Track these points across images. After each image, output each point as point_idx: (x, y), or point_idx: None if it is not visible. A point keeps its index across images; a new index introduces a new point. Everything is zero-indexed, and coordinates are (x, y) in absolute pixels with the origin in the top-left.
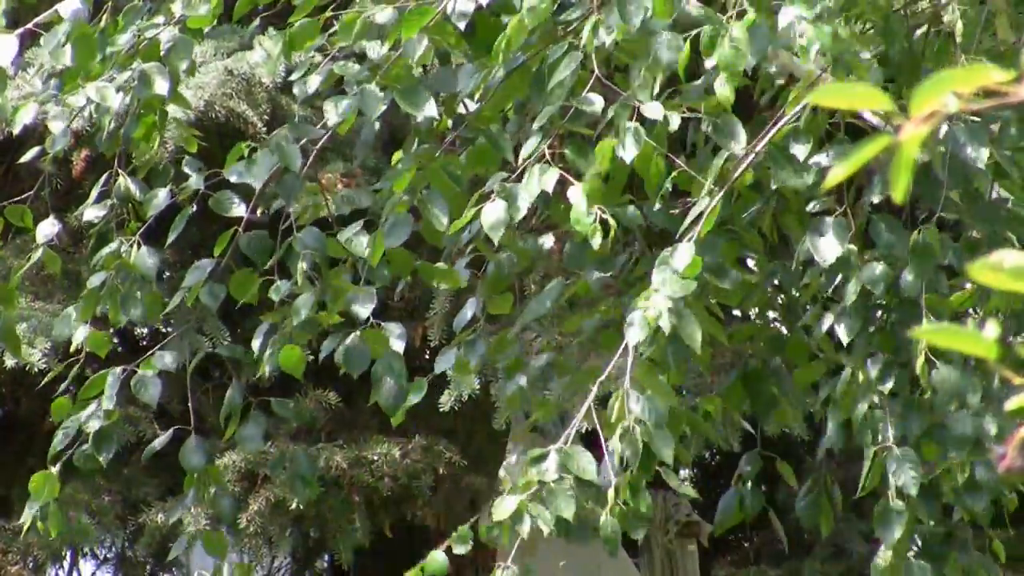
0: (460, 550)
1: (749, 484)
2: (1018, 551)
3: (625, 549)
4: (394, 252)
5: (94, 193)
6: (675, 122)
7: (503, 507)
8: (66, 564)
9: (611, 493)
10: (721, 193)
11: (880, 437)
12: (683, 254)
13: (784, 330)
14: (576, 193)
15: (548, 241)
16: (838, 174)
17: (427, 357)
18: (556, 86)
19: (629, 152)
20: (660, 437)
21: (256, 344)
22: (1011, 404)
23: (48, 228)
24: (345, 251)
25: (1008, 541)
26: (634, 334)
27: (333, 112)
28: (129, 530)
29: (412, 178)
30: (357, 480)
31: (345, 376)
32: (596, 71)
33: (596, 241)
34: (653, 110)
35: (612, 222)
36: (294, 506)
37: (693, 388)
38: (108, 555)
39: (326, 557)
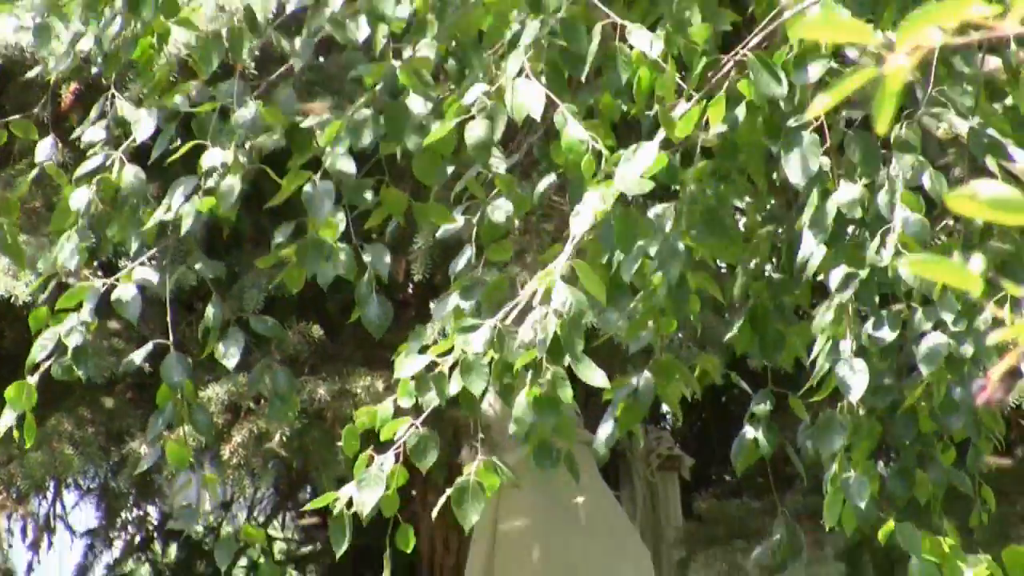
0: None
1: (762, 423)
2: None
3: (607, 482)
4: (387, 192)
5: (93, 114)
6: (657, 48)
7: (408, 365)
8: (49, 494)
9: (529, 375)
10: (697, 97)
11: (838, 349)
12: (646, 153)
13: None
14: (568, 119)
15: (547, 181)
16: (823, 103)
17: (410, 291)
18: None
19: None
20: (574, 334)
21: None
22: (993, 338)
23: (47, 147)
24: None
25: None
26: (580, 223)
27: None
28: (112, 461)
29: (380, 73)
30: (340, 413)
31: (329, 309)
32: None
33: (587, 169)
34: (640, 38)
35: (605, 151)
36: (277, 438)
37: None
38: (91, 486)
39: (308, 489)
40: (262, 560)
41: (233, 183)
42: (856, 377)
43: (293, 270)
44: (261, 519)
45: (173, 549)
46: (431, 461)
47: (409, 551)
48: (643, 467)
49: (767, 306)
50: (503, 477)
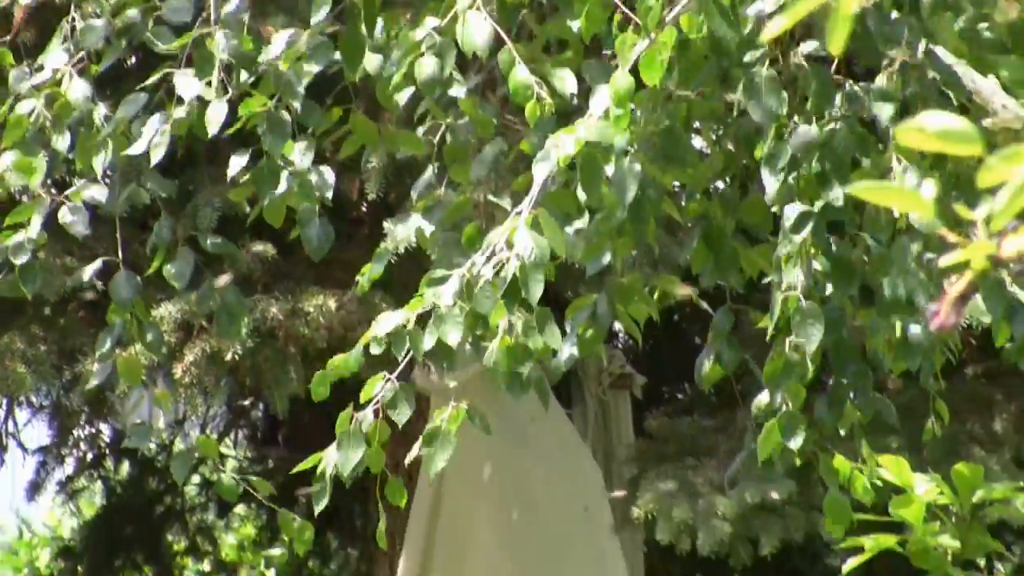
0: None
1: (724, 339)
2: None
3: (558, 400)
4: (356, 119)
5: (55, 40)
6: None
7: (383, 323)
8: (1, 412)
9: (502, 324)
10: (654, 36)
11: (792, 283)
12: (601, 99)
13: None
14: (516, 61)
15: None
16: (778, 26)
17: (364, 210)
18: None
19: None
20: (533, 278)
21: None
22: (945, 261)
23: (20, 74)
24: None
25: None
26: (542, 169)
27: None
28: (64, 379)
29: None
30: (293, 331)
31: (281, 228)
32: None
33: (531, 115)
34: None
35: (548, 100)
36: (229, 357)
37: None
38: (43, 403)
39: (261, 407)
40: (218, 476)
41: (221, 109)
42: (812, 328)
43: (274, 205)
44: (214, 437)
45: (125, 466)
46: (407, 415)
47: (403, 505)
48: (595, 385)
49: (722, 225)
50: (478, 424)
